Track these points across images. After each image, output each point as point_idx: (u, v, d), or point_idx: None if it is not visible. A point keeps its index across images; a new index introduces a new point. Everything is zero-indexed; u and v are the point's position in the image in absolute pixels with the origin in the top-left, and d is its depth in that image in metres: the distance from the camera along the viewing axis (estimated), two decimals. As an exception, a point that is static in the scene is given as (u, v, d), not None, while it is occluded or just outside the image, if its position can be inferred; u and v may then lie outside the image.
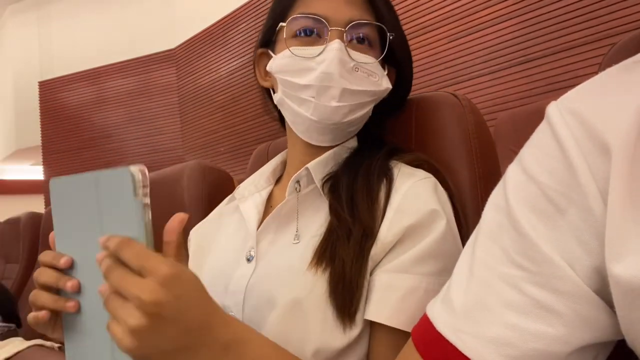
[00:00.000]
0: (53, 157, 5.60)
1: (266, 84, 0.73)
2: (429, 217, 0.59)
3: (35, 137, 5.78)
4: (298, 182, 0.67)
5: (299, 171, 0.66)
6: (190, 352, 0.44)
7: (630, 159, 0.35)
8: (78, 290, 0.47)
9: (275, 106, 0.73)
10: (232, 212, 0.75)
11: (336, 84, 0.62)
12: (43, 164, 5.67)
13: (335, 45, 0.62)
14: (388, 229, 0.58)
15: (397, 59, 0.71)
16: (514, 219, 0.40)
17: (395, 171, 0.64)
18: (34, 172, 7.69)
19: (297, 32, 0.66)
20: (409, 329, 0.48)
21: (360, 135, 0.72)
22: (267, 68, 0.69)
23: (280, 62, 0.67)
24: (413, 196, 0.60)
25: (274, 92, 0.71)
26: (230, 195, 0.76)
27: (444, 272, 0.57)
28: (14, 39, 6.47)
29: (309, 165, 0.66)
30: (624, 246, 0.34)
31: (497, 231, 0.42)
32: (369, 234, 0.58)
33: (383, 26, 0.67)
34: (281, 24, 0.67)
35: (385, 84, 0.68)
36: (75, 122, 5.51)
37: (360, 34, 0.66)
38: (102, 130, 5.39)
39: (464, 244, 0.47)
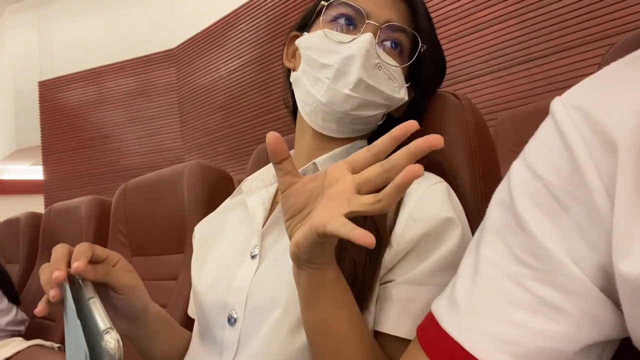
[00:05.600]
0: (53, 157, 5.59)
1: (289, 65, 0.74)
2: (443, 225, 0.58)
3: (35, 137, 5.78)
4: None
5: (306, 165, 0.66)
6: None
7: (638, 155, 0.35)
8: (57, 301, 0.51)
9: (292, 95, 0.73)
10: (238, 206, 0.75)
11: (355, 71, 0.63)
12: (43, 164, 5.67)
13: (366, 37, 0.63)
14: (401, 235, 0.57)
15: (422, 76, 0.70)
16: (518, 216, 0.40)
17: None
18: (34, 172, 7.69)
19: (335, 18, 0.67)
20: None
21: (371, 140, 0.72)
22: (297, 42, 0.70)
23: (310, 39, 0.68)
24: (427, 202, 0.59)
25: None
26: (237, 188, 0.75)
27: None
28: (14, 39, 6.48)
29: (316, 160, 0.66)
30: (631, 243, 0.34)
31: (501, 229, 0.41)
32: (382, 235, 0.57)
33: (417, 34, 0.67)
34: (322, 2, 0.68)
35: (402, 94, 0.67)
36: (75, 122, 5.51)
37: (394, 38, 0.66)
38: (102, 130, 5.39)
39: None
